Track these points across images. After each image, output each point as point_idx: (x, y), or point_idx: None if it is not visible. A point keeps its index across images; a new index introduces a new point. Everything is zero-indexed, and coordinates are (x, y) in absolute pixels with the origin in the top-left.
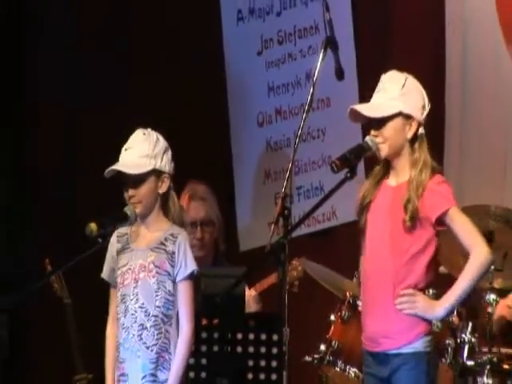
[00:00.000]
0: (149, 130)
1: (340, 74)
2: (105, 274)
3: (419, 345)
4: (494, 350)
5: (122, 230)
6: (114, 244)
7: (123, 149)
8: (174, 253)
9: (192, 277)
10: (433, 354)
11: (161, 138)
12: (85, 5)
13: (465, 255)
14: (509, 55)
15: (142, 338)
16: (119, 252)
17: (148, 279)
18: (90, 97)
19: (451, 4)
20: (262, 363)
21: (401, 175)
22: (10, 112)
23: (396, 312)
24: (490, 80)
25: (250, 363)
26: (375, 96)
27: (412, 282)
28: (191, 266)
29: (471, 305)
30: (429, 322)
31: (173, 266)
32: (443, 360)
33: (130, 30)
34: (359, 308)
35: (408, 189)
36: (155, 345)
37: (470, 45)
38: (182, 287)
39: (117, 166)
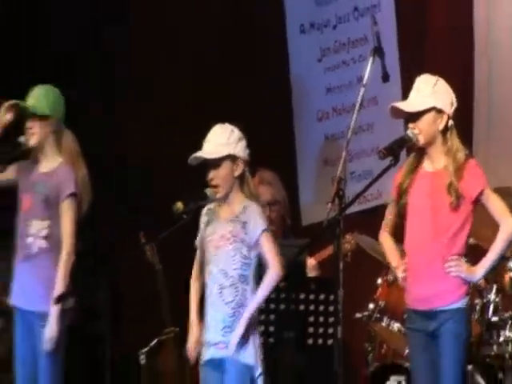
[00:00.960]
0: (225, 124)
1: (385, 77)
2: (197, 241)
3: (461, 303)
4: None
5: (210, 206)
6: (203, 217)
7: (204, 141)
8: (246, 222)
9: (267, 231)
10: (469, 311)
11: (235, 130)
12: None
13: (490, 228)
14: None
15: (221, 296)
16: (206, 224)
17: (226, 246)
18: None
19: (479, 18)
20: (321, 319)
21: (436, 161)
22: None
23: (445, 276)
24: None
25: (311, 319)
26: (411, 95)
27: (455, 252)
28: (263, 225)
29: (496, 270)
30: (468, 284)
31: (246, 234)
32: (472, 317)
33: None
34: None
35: (448, 174)
36: (233, 301)
37: (496, 48)
38: (262, 240)
39: (198, 154)
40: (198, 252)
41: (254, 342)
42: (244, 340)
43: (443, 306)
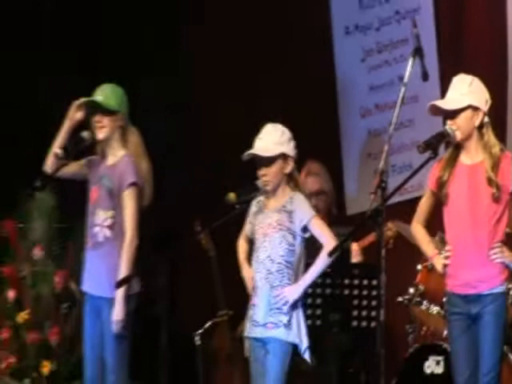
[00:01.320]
0: (277, 124)
1: (425, 76)
2: (247, 229)
3: (502, 287)
4: None
5: (259, 198)
6: (253, 207)
7: (257, 138)
8: (292, 212)
9: (316, 216)
10: (505, 296)
11: (286, 130)
12: None
13: None
14: None
15: (268, 280)
16: (255, 214)
17: (273, 234)
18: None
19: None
20: (364, 303)
21: (474, 155)
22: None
23: (488, 262)
24: None
25: (355, 303)
26: (449, 93)
27: (497, 240)
28: (311, 212)
29: None
30: (509, 269)
31: (292, 223)
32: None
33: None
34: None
35: (486, 168)
36: (279, 285)
37: None
38: (313, 224)
39: (252, 151)
40: (246, 229)
41: (298, 320)
42: (289, 319)
43: (487, 290)
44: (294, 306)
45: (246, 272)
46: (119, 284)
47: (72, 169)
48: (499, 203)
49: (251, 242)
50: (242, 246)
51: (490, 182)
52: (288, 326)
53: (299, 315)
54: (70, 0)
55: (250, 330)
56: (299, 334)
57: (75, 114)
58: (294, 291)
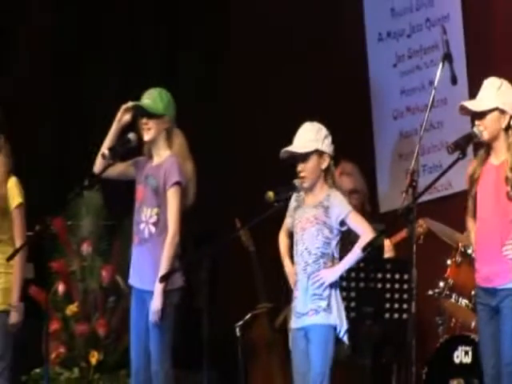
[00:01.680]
0: (314, 122)
1: (454, 80)
2: (288, 223)
3: None
4: None
5: (299, 194)
6: (293, 203)
7: (294, 137)
8: (328, 207)
9: (352, 211)
10: None
11: (322, 128)
12: None
13: None
14: None
15: (306, 271)
16: (295, 209)
17: (310, 228)
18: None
19: None
20: (396, 296)
21: (500, 155)
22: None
23: (503, 257)
24: None
25: (387, 296)
26: (479, 95)
27: (510, 237)
28: (347, 207)
29: None
30: None
31: (328, 217)
32: None
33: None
34: (470, 255)
35: (506, 168)
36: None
37: None
38: (350, 218)
39: (289, 148)
40: (287, 223)
41: (338, 303)
42: (328, 303)
43: (502, 284)
44: (331, 291)
45: (288, 267)
46: (162, 279)
47: (118, 169)
48: None
49: (291, 236)
50: (282, 241)
51: (507, 180)
52: (327, 309)
53: (338, 299)
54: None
55: (294, 322)
56: (339, 316)
57: (123, 117)
58: (331, 274)
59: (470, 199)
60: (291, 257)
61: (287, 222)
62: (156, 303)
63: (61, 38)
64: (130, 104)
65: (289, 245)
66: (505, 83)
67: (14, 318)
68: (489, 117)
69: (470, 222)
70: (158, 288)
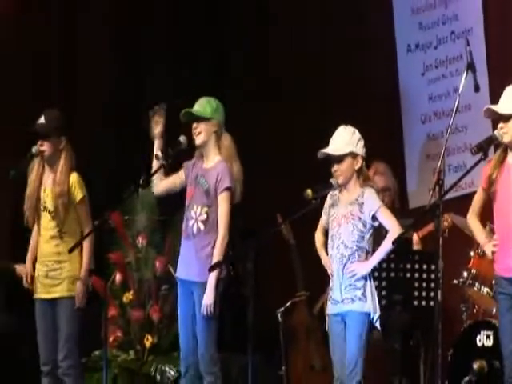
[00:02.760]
0: (348, 126)
1: (477, 88)
2: (323, 220)
3: None
4: None
5: (334, 192)
6: (328, 201)
7: (331, 140)
8: (362, 203)
9: (383, 206)
10: None
11: (356, 131)
12: None
13: None
14: None
15: (342, 263)
16: (330, 206)
17: (346, 224)
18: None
19: None
20: (424, 285)
21: None
22: None
23: None
24: None
25: (416, 285)
26: (502, 100)
27: None
28: (379, 203)
29: None
30: None
31: (362, 213)
32: None
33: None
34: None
35: None
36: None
37: None
38: (380, 212)
39: (325, 150)
40: (321, 221)
41: (372, 292)
42: (363, 292)
43: None
44: (366, 281)
45: (325, 259)
46: (212, 268)
47: (166, 185)
48: None
49: (326, 233)
50: (318, 238)
51: None
52: (362, 298)
53: (372, 289)
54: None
55: (330, 308)
56: (373, 304)
57: (155, 129)
58: (363, 267)
59: (479, 197)
60: (326, 251)
61: (323, 219)
62: (209, 298)
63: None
64: (156, 108)
65: (324, 241)
66: None
67: (80, 290)
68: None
69: (473, 220)
70: (212, 284)
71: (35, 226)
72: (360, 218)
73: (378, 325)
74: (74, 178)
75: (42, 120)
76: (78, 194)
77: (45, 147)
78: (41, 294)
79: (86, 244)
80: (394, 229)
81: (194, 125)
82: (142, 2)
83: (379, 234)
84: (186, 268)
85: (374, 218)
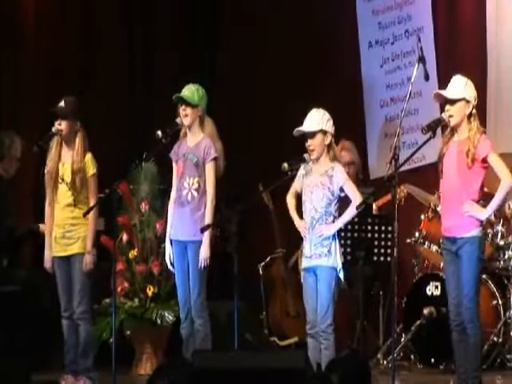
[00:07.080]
0: (319, 108)
1: (427, 77)
2: (296, 186)
3: (475, 232)
4: None
5: (307, 165)
6: (301, 171)
7: (304, 120)
8: (332, 176)
9: (349, 180)
10: (482, 239)
11: (326, 113)
12: None
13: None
14: None
15: (312, 224)
16: (303, 176)
17: (317, 191)
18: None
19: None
20: (382, 243)
21: (461, 134)
22: None
23: (462, 213)
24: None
25: (375, 243)
26: (450, 87)
27: (470, 198)
28: (345, 177)
29: (500, 210)
30: (480, 220)
31: (331, 184)
32: (486, 241)
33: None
34: (439, 212)
35: (467, 143)
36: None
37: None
38: (346, 185)
39: (300, 128)
40: (293, 187)
41: (335, 249)
42: (328, 249)
43: (460, 234)
44: (331, 240)
45: (298, 222)
46: (202, 230)
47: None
48: (472, 170)
49: (298, 197)
50: (290, 202)
51: (467, 153)
52: (328, 254)
53: (336, 246)
54: None
55: (303, 263)
56: (336, 259)
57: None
58: (329, 228)
59: (441, 169)
60: (298, 213)
61: (295, 185)
62: (206, 252)
63: None
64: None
65: (295, 204)
66: (468, 81)
67: (88, 259)
68: (457, 105)
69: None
70: (206, 240)
71: (50, 196)
72: (329, 188)
73: (341, 275)
74: (88, 157)
75: (61, 104)
76: (90, 171)
77: (62, 126)
78: (59, 252)
79: (91, 221)
80: (356, 199)
81: (183, 107)
82: None
83: (344, 202)
84: (181, 230)
85: (341, 189)
